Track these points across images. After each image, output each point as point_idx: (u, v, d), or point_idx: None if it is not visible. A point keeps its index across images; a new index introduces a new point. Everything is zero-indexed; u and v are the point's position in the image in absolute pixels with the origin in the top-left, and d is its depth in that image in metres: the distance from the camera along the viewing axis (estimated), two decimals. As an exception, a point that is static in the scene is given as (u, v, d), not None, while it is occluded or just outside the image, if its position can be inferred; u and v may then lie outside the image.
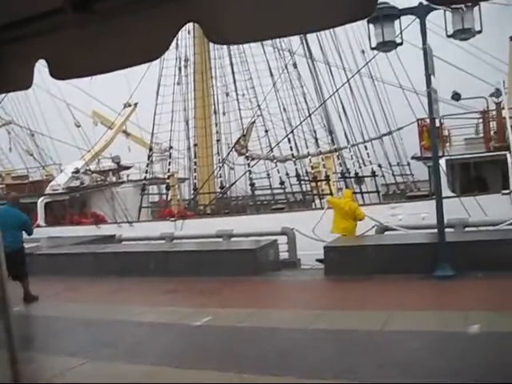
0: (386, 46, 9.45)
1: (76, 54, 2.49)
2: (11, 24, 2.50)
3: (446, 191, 13.78)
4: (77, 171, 24.05)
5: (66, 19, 2.34)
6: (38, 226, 20.91)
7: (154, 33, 2.21)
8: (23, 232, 9.93)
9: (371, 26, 9.47)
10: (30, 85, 2.67)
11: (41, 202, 23.30)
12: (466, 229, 11.71)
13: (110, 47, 2.39)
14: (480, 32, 10.39)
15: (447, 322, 6.55)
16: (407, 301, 7.64)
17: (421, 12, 8.84)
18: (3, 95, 23.39)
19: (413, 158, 20.67)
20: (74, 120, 24.92)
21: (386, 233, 12.29)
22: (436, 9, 8.91)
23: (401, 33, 9.69)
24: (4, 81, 2.80)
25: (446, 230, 9.39)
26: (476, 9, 10.02)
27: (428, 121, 17.36)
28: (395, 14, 9.20)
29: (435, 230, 9.19)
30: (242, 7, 2.02)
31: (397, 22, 9.48)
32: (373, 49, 9.83)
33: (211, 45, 25.64)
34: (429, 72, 8.85)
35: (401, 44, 9.82)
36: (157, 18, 2.18)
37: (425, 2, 8.59)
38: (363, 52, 23.49)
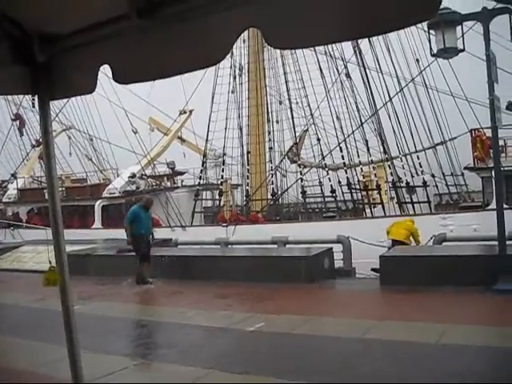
0: (447, 52, 9.20)
1: (138, 59, 2.53)
2: (77, 30, 2.59)
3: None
4: (133, 176, 24.65)
5: (129, 25, 2.40)
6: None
7: (216, 38, 2.23)
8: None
9: (432, 31, 9.28)
10: (93, 89, 2.71)
11: (98, 205, 23.97)
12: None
13: (171, 52, 2.42)
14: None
15: (508, 338, 6.30)
16: (465, 314, 7.42)
17: (484, 17, 8.60)
18: (65, 101, 24.32)
19: (466, 168, 20.18)
20: (131, 126, 25.52)
21: (443, 243, 12.04)
22: (501, 14, 8.64)
23: (462, 38, 9.40)
24: (70, 85, 2.89)
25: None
26: None
27: (481, 131, 17.07)
28: (457, 19, 8.97)
29: (489, 242, 8.90)
30: (302, 12, 2.01)
31: (458, 28, 9.25)
32: (433, 55, 9.58)
33: (265, 54, 25.89)
34: (491, 79, 8.60)
35: (462, 50, 9.56)
36: (218, 24, 2.19)
37: (489, 7, 8.39)
38: (418, 61, 23.13)
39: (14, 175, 30.56)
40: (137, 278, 11.65)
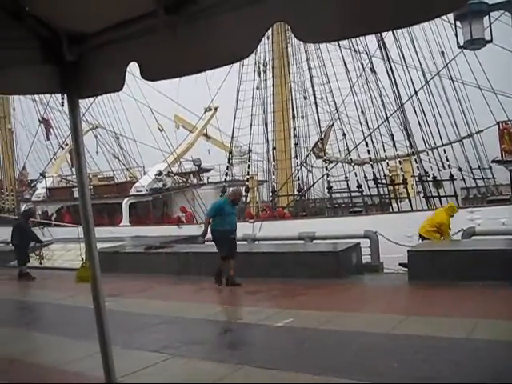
0: (474, 43, 9.05)
1: (166, 56, 2.55)
2: (106, 28, 2.61)
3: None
4: (159, 173, 24.87)
5: (157, 22, 2.41)
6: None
7: (243, 33, 2.22)
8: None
9: (458, 23, 9.12)
10: (121, 87, 2.74)
11: (125, 203, 24.23)
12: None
13: (198, 48, 2.42)
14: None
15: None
16: (495, 309, 7.27)
17: (513, 7, 8.44)
18: (91, 100, 24.63)
19: (493, 161, 19.87)
20: (157, 124, 25.73)
21: (472, 238, 11.87)
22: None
23: (490, 29, 9.22)
24: (98, 84, 2.93)
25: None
26: None
27: (509, 123, 16.77)
28: (484, 10, 8.80)
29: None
30: (329, 4, 2.00)
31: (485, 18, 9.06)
32: (460, 47, 9.42)
33: (290, 49, 25.82)
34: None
35: (490, 41, 9.38)
36: (246, 19, 2.19)
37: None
38: (443, 53, 22.84)
39: (42, 174, 31.07)
40: (215, 276, 10.76)
